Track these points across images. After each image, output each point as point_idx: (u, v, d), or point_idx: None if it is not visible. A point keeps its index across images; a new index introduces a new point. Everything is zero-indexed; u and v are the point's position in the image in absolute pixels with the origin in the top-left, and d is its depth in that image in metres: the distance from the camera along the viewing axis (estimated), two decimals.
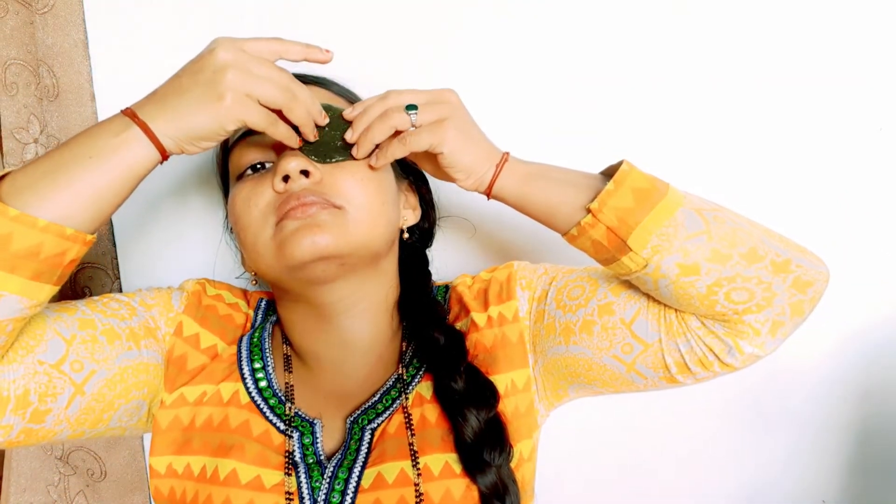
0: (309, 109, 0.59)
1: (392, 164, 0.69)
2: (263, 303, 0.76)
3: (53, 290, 0.55)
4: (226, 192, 0.73)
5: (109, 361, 0.61)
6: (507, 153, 0.62)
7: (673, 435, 0.93)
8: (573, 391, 0.67)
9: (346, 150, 0.62)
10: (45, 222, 0.51)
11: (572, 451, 0.93)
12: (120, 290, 0.90)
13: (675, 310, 0.59)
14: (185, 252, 0.89)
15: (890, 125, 0.82)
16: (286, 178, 0.61)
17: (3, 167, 0.88)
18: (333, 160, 0.62)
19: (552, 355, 0.65)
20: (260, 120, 0.55)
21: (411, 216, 0.73)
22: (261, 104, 0.55)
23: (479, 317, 0.68)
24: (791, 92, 0.82)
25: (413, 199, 0.74)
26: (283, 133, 0.58)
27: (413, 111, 0.59)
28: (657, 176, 0.58)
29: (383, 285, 0.69)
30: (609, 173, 0.60)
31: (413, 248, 0.74)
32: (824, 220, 0.85)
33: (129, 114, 0.55)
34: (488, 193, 0.61)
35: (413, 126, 0.59)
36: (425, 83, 0.83)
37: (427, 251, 0.78)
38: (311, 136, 0.60)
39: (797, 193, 0.85)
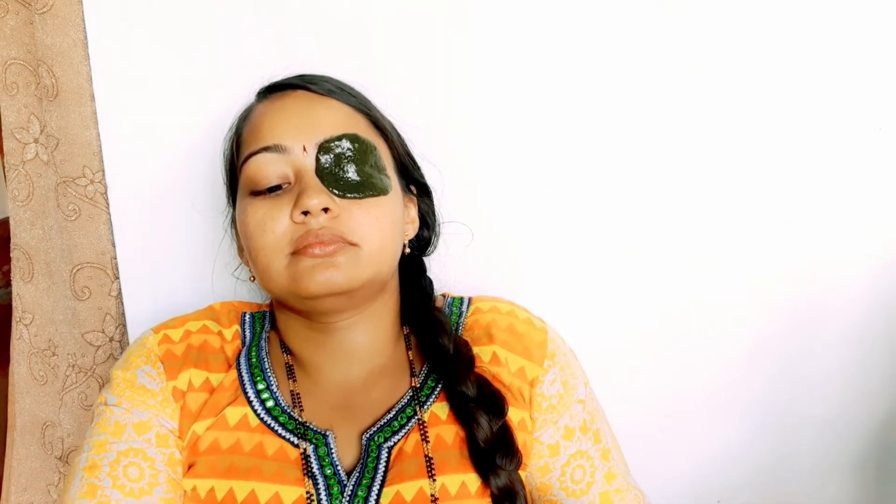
0: None
1: (398, 178, 0.69)
2: (248, 317, 0.74)
3: None
4: (232, 187, 0.72)
5: None
6: None
7: (668, 432, 0.93)
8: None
9: (363, 186, 0.63)
10: None
11: None
12: (119, 291, 0.89)
13: None
14: (183, 251, 0.89)
15: (889, 125, 0.82)
16: (306, 212, 0.61)
17: (5, 167, 0.88)
18: (352, 196, 0.63)
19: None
20: None
21: (410, 230, 0.73)
22: None
23: (503, 353, 0.68)
24: (791, 92, 0.82)
25: (413, 212, 0.74)
26: None
27: None
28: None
29: (385, 302, 0.70)
30: None
31: (410, 256, 0.74)
32: (824, 221, 0.85)
33: None
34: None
35: None
36: (435, 78, 0.84)
37: (425, 258, 0.78)
38: None
39: (797, 193, 0.85)
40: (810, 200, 0.85)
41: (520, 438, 0.65)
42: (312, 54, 0.81)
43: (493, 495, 0.61)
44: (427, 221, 0.77)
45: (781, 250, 0.86)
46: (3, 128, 0.86)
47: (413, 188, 0.75)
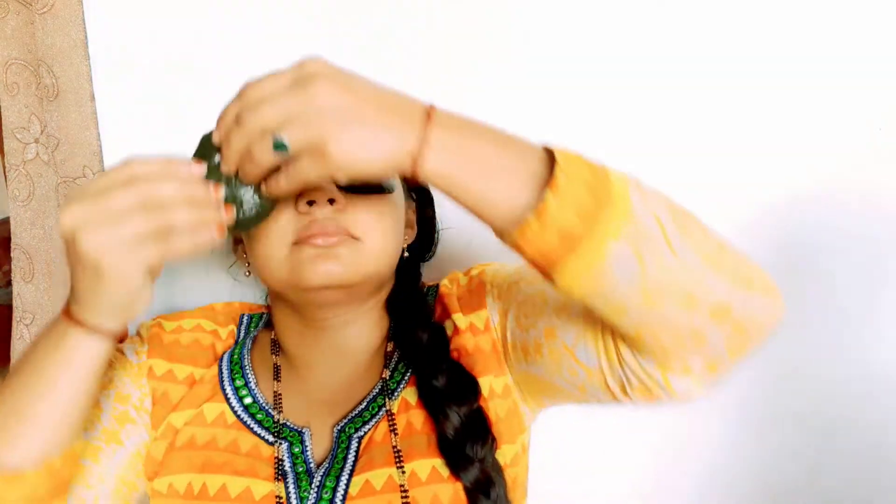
0: (187, 197, 0.49)
1: (403, 185, 0.69)
2: (245, 318, 0.77)
3: (67, 494, 0.57)
4: None
5: (105, 477, 0.61)
6: (428, 129, 0.46)
7: (671, 432, 0.93)
8: (548, 402, 0.66)
9: (370, 181, 0.62)
10: (34, 472, 0.52)
11: (566, 448, 0.93)
12: None
13: (614, 341, 0.53)
14: None
15: (889, 125, 0.82)
16: (311, 202, 0.61)
17: (5, 167, 0.88)
18: (358, 191, 0.62)
19: (518, 370, 0.65)
20: (152, 254, 0.47)
21: (410, 235, 0.74)
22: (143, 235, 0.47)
23: (460, 320, 0.67)
24: (790, 92, 0.82)
25: (411, 218, 0.74)
26: (187, 243, 0.48)
27: (283, 150, 0.46)
28: (598, 183, 0.46)
29: (380, 302, 0.70)
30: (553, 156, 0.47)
31: (407, 261, 0.73)
32: (824, 221, 0.85)
33: (66, 314, 0.52)
34: (416, 180, 0.50)
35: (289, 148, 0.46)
36: (437, 82, 0.84)
37: (423, 263, 0.78)
38: (253, 182, 0.51)
39: (796, 194, 0.84)
40: (809, 200, 0.85)
41: (503, 406, 0.65)
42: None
43: (465, 489, 0.60)
44: (427, 228, 0.77)
45: (782, 253, 0.86)
46: (3, 128, 0.86)
47: (413, 195, 0.75)
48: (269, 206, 0.54)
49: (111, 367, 0.68)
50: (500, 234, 0.48)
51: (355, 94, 0.46)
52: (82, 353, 0.52)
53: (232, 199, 0.52)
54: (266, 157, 0.47)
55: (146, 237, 0.47)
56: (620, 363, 0.53)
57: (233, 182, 0.51)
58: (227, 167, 0.50)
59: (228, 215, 0.51)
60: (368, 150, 0.45)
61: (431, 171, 0.46)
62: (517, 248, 0.47)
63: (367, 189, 0.63)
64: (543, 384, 0.63)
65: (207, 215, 0.49)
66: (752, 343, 0.50)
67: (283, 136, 0.45)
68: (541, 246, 0.46)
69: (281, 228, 0.62)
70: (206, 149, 0.51)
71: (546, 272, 0.47)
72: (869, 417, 0.90)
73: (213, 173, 0.51)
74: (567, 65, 0.83)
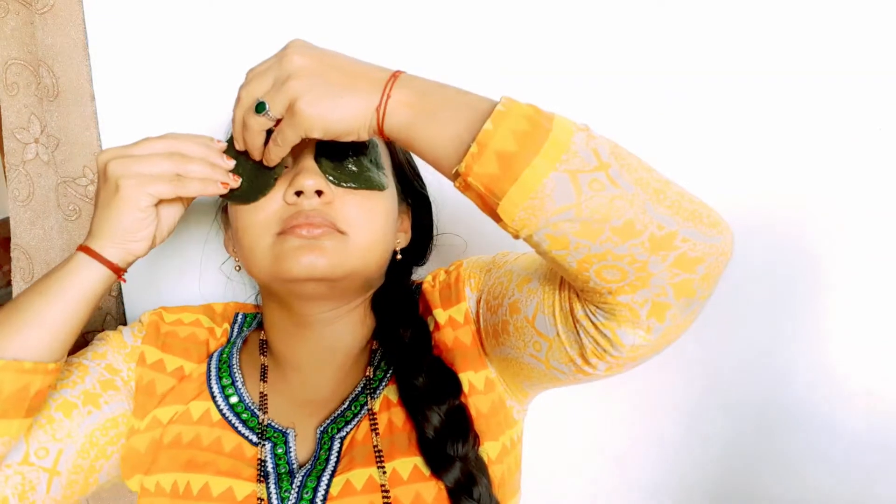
0: (205, 157, 0.60)
1: (396, 188, 0.69)
2: (240, 317, 0.77)
3: (25, 422, 0.57)
4: None
5: (74, 433, 0.62)
6: (391, 88, 0.52)
7: (664, 428, 0.93)
8: (528, 388, 0.65)
9: (360, 177, 0.63)
10: (3, 361, 0.54)
11: (564, 444, 0.93)
12: (119, 291, 0.90)
13: (569, 299, 0.54)
14: (183, 251, 0.89)
15: (890, 125, 0.82)
16: (299, 193, 0.61)
17: (4, 167, 0.88)
18: (348, 185, 0.62)
19: (494, 356, 0.65)
20: (164, 189, 0.57)
21: (403, 239, 0.73)
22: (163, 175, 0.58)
23: (440, 315, 0.67)
24: (790, 92, 0.82)
25: (406, 223, 0.74)
26: (196, 188, 0.59)
27: (264, 111, 0.54)
28: (539, 118, 0.48)
29: (367, 299, 0.70)
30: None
31: (400, 263, 0.73)
32: (823, 222, 0.85)
33: (81, 247, 0.59)
34: (383, 137, 0.54)
35: (273, 118, 0.55)
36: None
37: (418, 267, 0.78)
38: (257, 155, 0.59)
39: (796, 194, 0.84)
40: (809, 201, 0.85)
41: (485, 402, 0.64)
42: None
43: (447, 489, 0.60)
44: (422, 234, 0.77)
45: (782, 253, 0.86)
46: (3, 128, 0.86)
47: (409, 200, 0.74)
48: (270, 180, 0.61)
49: (106, 342, 0.69)
50: (453, 175, 0.51)
51: (323, 61, 0.53)
52: (78, 274, 0.58)
53: (242, 176, 0.61)
54: (254, 122, 0.55)
55: (163, 176, 0.57)
56: (575, 324, 0.53)
57: (243, 161, 0.61)
58: (238, 144, 0.59)
59: (235, 180, 0.60)
60: (335, 106, 0.51)
61: (395, 124, 0.51)
62: (466, 187, 0.50)
63: (356, 182, 0.63)
64: (516, 365, 0.62)
65: (217, 174, 0.59)
66: (697, 282, 0.49)
67: (265, 110, 0.54)
68: (482, 175, 0.48)
69: (267, 218, 0.62)
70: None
71: (493, 210, 0.50)
72: (813, 410, 0.90)
73: (230, 152, 0.61)
74: (567, 65, 0.83)
